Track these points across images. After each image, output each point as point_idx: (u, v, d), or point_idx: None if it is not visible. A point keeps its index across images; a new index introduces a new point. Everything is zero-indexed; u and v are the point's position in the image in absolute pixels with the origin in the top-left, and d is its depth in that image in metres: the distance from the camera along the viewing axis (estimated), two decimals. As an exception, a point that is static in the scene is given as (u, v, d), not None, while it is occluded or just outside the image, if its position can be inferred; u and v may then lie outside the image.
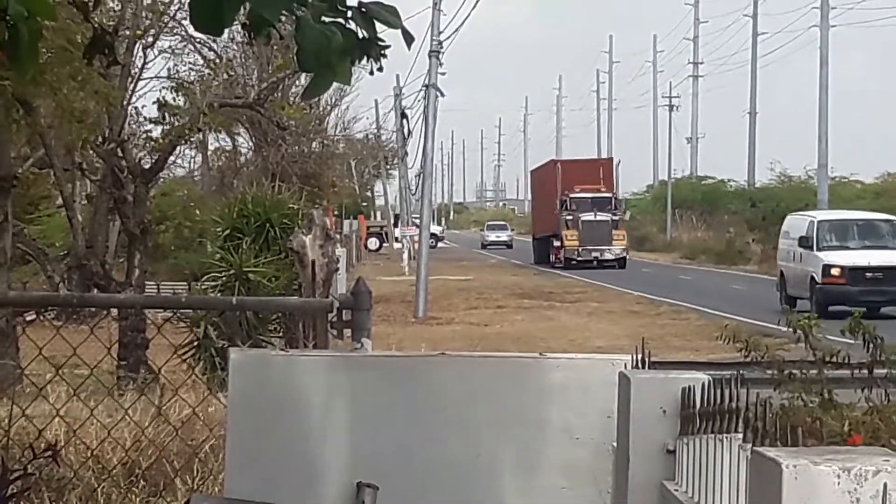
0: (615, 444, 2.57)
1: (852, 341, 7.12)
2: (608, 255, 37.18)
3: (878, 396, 6.55)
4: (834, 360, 6.75)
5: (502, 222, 74.28)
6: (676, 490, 2.17)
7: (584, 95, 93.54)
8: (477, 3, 20.28)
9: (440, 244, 57.92)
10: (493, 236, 66.33)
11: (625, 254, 38.62)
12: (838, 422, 6.09)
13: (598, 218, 37.07)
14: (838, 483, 1.11)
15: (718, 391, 1.95)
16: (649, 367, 2.62)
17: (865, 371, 6.73)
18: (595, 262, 36.56)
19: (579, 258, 36.84)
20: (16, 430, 4.64)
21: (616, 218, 38.49)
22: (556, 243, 38.55)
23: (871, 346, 6.57)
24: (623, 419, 2.43)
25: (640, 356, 2.57)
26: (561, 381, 2.89)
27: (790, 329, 7.12)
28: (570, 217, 37.18)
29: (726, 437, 1.81)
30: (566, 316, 21.49)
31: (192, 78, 19.06)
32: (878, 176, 48.50)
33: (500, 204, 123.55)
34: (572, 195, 37.44)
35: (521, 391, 2.93)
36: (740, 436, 1.72)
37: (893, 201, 35.53)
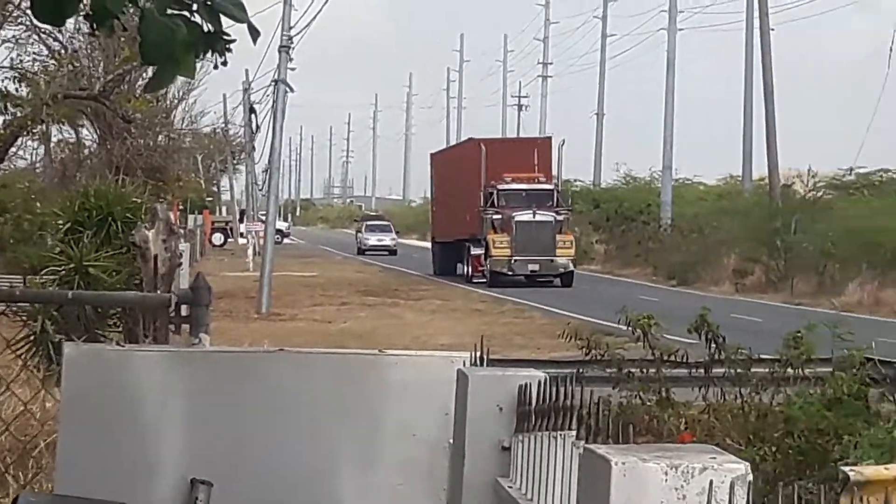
0: (452, 440, 2.57)
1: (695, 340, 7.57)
2: (550, 269, 28.06)
3: (715, 395, 7.08)
4: (672, 358, 7.24)
5: (384, 222, 56.84)
6: (510, 486, 2.17)
7: (435, 94, 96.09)
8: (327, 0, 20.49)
9: (286, 240, 54.69)
10: (373, 239, 51.38)
11: (572, 266, 29.02)
12: (676, 420, 6.50)
13: (539, 218, 27.86)
14: (666, 480, 1.12)
15: (554, 389, 1.93)
16: (488, 365, 2.59)
17: (702, 370, 7.27)
18: (535, 278, 28.51)
19: (512, 272, 27.97)
20: None
21: (561, 218, 28.89)
22: (477, 251, 28.95)
23: (713, 344, 7.08)
24: (460, 416, 2.42)
25: (478, 354, 2.56)
26: (400, 377, 2.90)
27: (630, 328, 7.50)
28: (499, 216, 27.93)
29: (560, 435, 1.81)
30: (410, 313, 21.46)
31: (36, 68, 19.03)
32: (721, 178, 49.10)
33: (348, 201, 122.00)
34: (501, 187, 27.79)
35: (361, 388, 2.93)
36: (574, 433, 1.70)
37: (735, 202, 37.04)
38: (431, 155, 42.76)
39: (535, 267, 28.01)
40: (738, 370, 6.82)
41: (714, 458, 1.17)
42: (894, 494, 3.21)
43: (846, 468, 3.96)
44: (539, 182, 29.22)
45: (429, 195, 46.65)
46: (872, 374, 6.74)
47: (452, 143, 67.91)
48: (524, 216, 27.88)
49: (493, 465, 2.24)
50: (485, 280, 28.55)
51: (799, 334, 7.09)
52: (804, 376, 6.92)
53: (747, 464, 1.17)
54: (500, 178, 28.18)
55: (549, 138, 35.51)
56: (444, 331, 17.63)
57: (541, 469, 1.91)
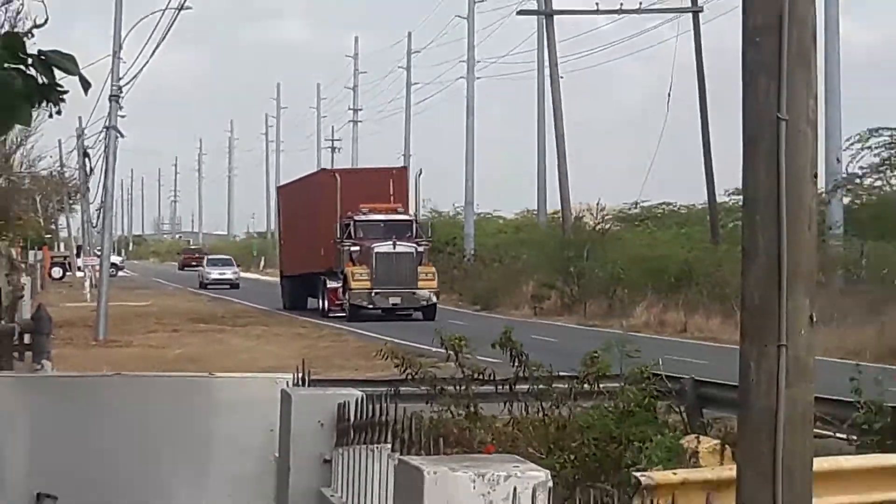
0: (277, 455, 2.75)
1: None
2: (412, 301, 26.17)
3: (519, 409, 7.66)
4: (480, 376, 7.77)
5: (226, 256, 57.20)
6: (333, 496, 2.32)
7: (255, 138, 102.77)
8: (154, 53, 22.43)
9: (120, 273, 56.66)
10: (216, 273, 50.12)
11: (434, 298, 27.05)
12: (484, 433, 6.90)
13: (399, 249, 26.13)
14: (474, 487, 1.23)
15: (371, 406, 2.10)
16: (309, 385, 2.79)
17: (508, 387, 7.86)
18: (396, 311, 26.52)
19: (373, 305, 26.06)
20: None
21: (421, 249, 27.10)
22: (333, 284, 27.03)
23: (517, 361, 7.69)
24: (284, 432, 2.59)
25: (300, 374, 2.76)
26: (229, 397, 3.13)
27: (443, 349, 7.98)
28: (357, 248, 26.03)
29: (377, 448, 1.95)
30: (237, 339, 22.49)
31: None
32: (518, 212, 52.79)
33: (177, 236, 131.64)
34: (359, 218, 26.07)
35: (192, 408, 3.16)
36: (389, 446, 1.84)
37: (531, 233, 40.11)
38: (279, 188, 41.32)
39: (397, 300, 26.44)
40: (540, 386, 7.46)
41: (517, 466, 1.30)
42: (680, 497, 3.59)
43: (638, 473, 4.48)
44: (397, 213, 27.53)
45: (252, 230, 46.44)
46: (659, 388, 7.44)
47: (273, 183, 68.12)
48: (384, 248, 26.13)
49: (316, 476, 2.40)
50: (343, 314, 26.67)
51: (595, 354, 7.88)
52: (599, 391, 7.58)
53: (547, 471, 1.33)
54: (357, 208, 26.55)
55: (405, 168, 34.66)
56: (268, 354, 18.35)
57: (360, 479, 2.06)
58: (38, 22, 2.36)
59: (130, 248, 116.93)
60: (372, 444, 2.00)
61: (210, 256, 58.02)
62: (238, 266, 54.41)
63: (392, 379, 7.93)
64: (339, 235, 25.66)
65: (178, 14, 21.13)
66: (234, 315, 28.90)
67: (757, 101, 2.54)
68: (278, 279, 35.12)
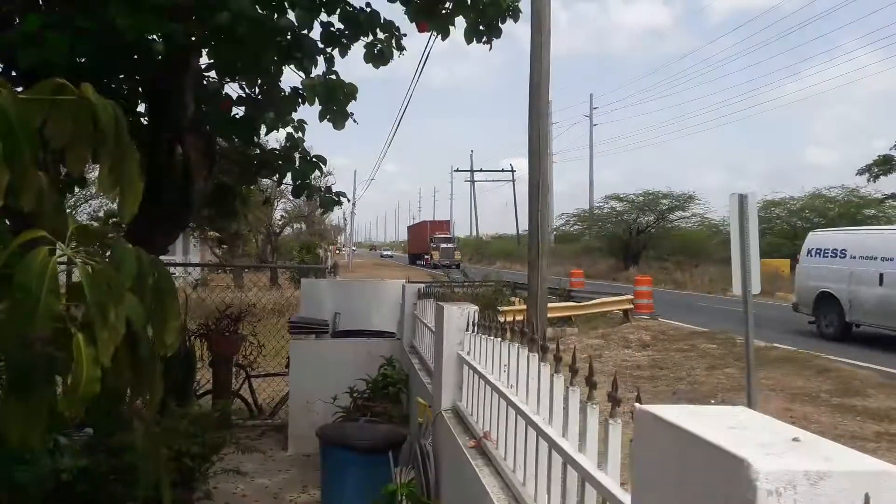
0: (402, 303, 8.69)
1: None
2: (453, 261, 48.54)
3: (465, 290, 14.43)
4: (455, 282, 14.52)
5: (388, 249, 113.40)
6: (416, 312, 8.36)
7: None
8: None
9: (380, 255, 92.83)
10: (385, 252, 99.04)
11: (460, 261, 50.94)
12: (454, 296, 13.41)
13: (449, 245, 56.38)
14: (461, 313, 7.23)
15: (426, 288, 8.22)
16: (408, 283, 8.70)
17: (464, 283, 14.59)
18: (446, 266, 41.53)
19: (440, 264, 45.40)
20: None
21: (455, 245, 58.64)
22: (427, 257, 55.00)
23: (465, 275, 14.45)
24: (405, 297, 8.52)
25: (407, 280, 8.00)
26: (389, 286, 8.86)
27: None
28: (435, 246, 56.06)
29: (429, 301, 7.97)
30: (389, 271, 30.64)
31: None
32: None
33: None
34: (436, 236, 58.64)
35: (379, 288, 8.81)
36: (433, 300, 7.86)
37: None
38: (408, 227, 77.87)
39: (447, 262, 47.89)
40: (469, 283, 14.26)
41: (469, 306, 7.24)
42: (509, 315, 9.99)
43: (500, 308, 11.04)
44: (447, 235, 58.89)
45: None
46: (504, 284, 14.34)
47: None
48: (444, 245, 54.88)
49: (411, 306, 8.43)
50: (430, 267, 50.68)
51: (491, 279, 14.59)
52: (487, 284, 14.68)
53: (476, 307, 7.27)
54: (434, 234, 58.46)
55: (449, 220, 69.87)
56: (398, 275, 27.37)
57: (424, 309, 8.11)
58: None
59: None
60: (426, 299, 7.93)
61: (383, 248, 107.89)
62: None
63: (434, 282, 14.69)
64: (431, 242, 55.72)
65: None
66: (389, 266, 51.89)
67: (537, 205, 8.47)
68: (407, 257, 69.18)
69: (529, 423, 2.38)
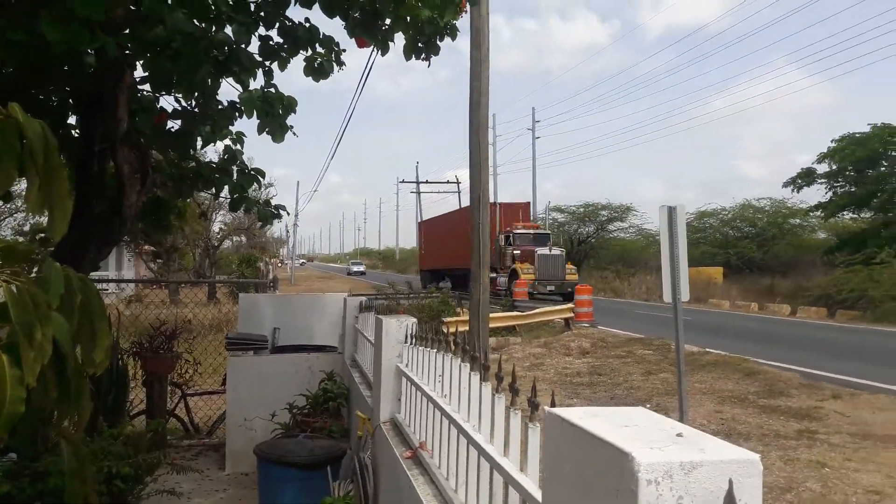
0: (344, 316, 8.69)
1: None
2: (561, 289, 28.83)
3: (410, 301, 14.60)
4: (402, 293, 14.61)
5: (359, 260, 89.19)
6: (357, 326, 8.36)
7: None
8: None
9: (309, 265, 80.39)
10: (355, 268, 75.82)
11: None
12: (400, 308, 13.47)
13: (554, 252, 30.77)
14: (399, 325, 7.30)
15: (368, 301, 8.30)
16: (350, 295, 8.73)
17: (409, 295, 14.74)
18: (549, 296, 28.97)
19: (536, 291, 28.69)
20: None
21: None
22: (492, 275, 30.59)
23: (410, 288, 14.69)
24: (346, 310, 8.55)
25: (349, 293, 8.33)
26: (330, 299, 8.86)
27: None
28: (519, 251, 30.99)
29: (370, 313, 8.03)
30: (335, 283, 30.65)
31: None
32: None
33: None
34: (516, 231, 31.94)
35: (319, 301, 8.81)
36: (373, 312, 7.92)
37: None
38: (420, 223, 52.58)
39: (552, 287, 30.31)
40: (415, 294, 14.63)
41: (409, 319, 7.32)
42: (452, 325, 10.14)
43: (444, 319, 11.22)
44: (539, 229, 34.37)
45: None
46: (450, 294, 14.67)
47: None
48: (543, 251, 30.38)
49: (352, 319, 8.44)
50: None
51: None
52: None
53: (415, 319, 7.38)
54: (511, 227, 32.65)
55: (529, 203, 39.72)
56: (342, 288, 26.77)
57: (366, 321, 8.17)
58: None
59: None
60: (368, 312, 7.97)
61: (353, 260, 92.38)
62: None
63: (379, 294, 14.56)
64: (503, 243, 31.31)
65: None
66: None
67: (479, 217, 8.64)
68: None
69: (461, 430, 2.48)
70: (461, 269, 30.13)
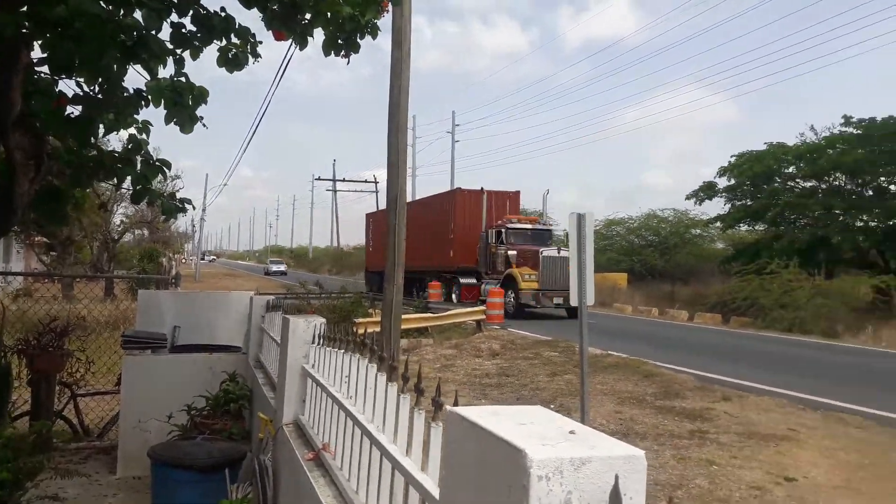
0: (250, 314, 8.45)
1: None
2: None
3: (321, 301, 14.42)
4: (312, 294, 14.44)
5: (280, 259, 78.83)
6: (264, 326, 8.17)
7: None
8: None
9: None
10: (274, 267, 66.43)
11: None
12: (311, 308, 13.30)
13: (563, 254, 21.63)
14: (307, 324, 7.17)
15: (275, 300, 8.11)
16: (257, 294, 8.52)
17: (320, 295, 14.62)
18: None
19: (539, 304, 22.70)
20: None
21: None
22: (469, 280, 26.58)
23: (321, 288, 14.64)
24: (252, 308, 8.33)
25: (256, 291, 8.11)
26: (236, 297, 8.58)
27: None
28: (515, 252, 24.43)
29: (276, 313, 7.86)
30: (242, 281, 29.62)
31: None
32: None
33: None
34: (511, 226, 25.33)
35: (224, 299, 8.52)
36: (281, 312, 7.76)
37: None
38: (368, 214, 41.74)
39: (559, 300, 22.84)
40: (326, 294, 14.54)
41: (316, 318, 7.24)
42: (361, 326, 10.07)
43: (356, 319, 11.15)
44: (539, 223, 27.30)
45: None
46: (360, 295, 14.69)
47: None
48: (550, 252, 23.11)
49: (259, 318, 8.22)
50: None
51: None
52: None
53: (324, 319, 7.28)
54: (502, 219, 26.17)
55: (519, 192, 29.69)
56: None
57: (273, 321, 7.98)
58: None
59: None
60: (275, 311, 7.81)
61: (272, 258, 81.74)
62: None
63: (289, 293, 14.23)
64: (493, 240, 25.01)
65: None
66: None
67: (394, 218, 8.63)
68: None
69: (364, 431, 2.48)
70: (423, 270, 27.02)
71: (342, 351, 3.16)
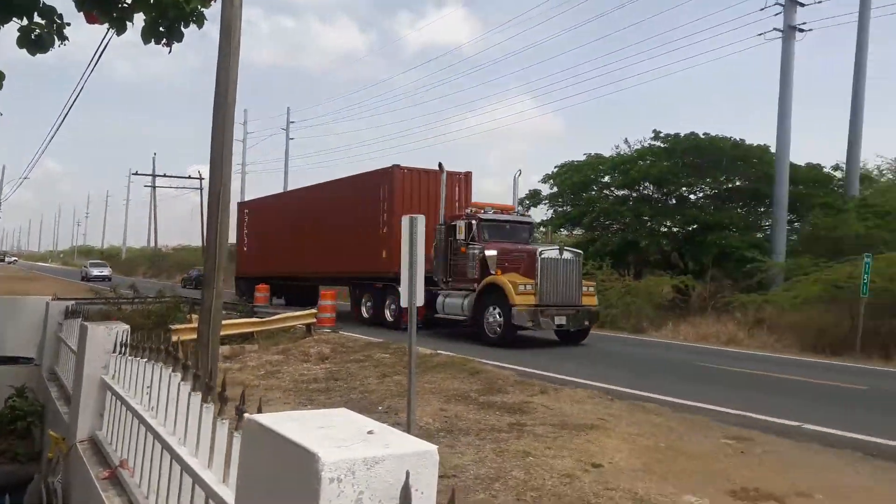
0: (45, 321, 7.59)
1: None
2: (576, 322, 16.71)
3: (134, 306, 13.43)
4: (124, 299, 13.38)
5: (102, 260, 69.07)
6: (61, 334, 7.40)
7: None
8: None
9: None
10: (95, 271, 58.06)
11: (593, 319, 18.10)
12: (122, 315, 12.29)
13: (566, 256, 17.08)
14: (109, 333, 6.57)
15: (76, 306, 7.35)
16: (54, 300, 7.63)
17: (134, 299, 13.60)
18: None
19: (536, 325, 16.04)
20: None
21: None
22: None
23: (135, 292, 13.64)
24: (48, 316, 7.48)
25: (54, 296, 7.29)
26: (32, 303, 7.66)
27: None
28: (494, 252, 17.47)
29: (76, 320, 7.15)
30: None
31: None
32: None
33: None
34: (485, 217, 18.49)
35: (21, 304, 7.56)
36: (81, 318, 7.07)
37: None
38: (240, 203, 33.74)
39: (562, 320, 16.13)
40: (141, 298, 13.64)
41: (119, 325, 6.66)
42: (176, 333, 9.55)
43: (171, 325, 10.55)
44: (516, 214, 19.76)
45: None
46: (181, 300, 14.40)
47: None
48: (551, 253, 15.73)
49: (56, 327, 7.42)
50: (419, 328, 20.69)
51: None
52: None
53: (128, 326, 6.70)
54: (470, 207, 19.00)
55: (470, 173, 23.07)
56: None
57: (71, 329, 7.23)
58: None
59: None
60: (75, 318, 7.11)
61: (91, 260, 70.31)
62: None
63: (96, 297, 12.99)
64: (460, 236, 17.98)
65: None
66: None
67: (217, 217, 8.21)
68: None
69: (164, 445, 2.33)
70: (336, 276, 22.48)
71: (145, 360, 2.95)
